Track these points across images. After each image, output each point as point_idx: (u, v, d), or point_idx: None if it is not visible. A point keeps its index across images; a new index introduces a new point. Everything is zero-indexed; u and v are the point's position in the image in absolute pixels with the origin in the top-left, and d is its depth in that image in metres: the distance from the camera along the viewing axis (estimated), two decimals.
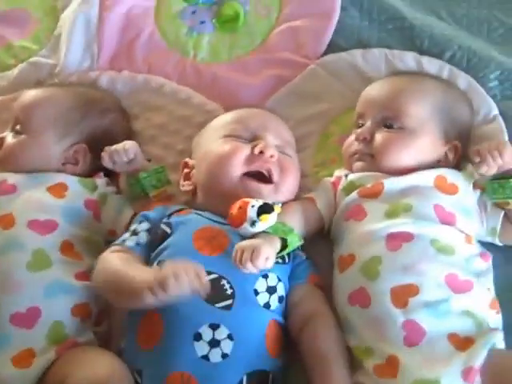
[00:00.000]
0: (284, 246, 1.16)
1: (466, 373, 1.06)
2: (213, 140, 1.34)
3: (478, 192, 1.26)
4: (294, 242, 1.17)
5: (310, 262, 1.29)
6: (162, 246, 1.22)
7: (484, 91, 1.43)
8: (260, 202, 1.15)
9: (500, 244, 1.25)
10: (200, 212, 1.28)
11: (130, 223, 1.33)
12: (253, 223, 1.14)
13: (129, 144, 1.36)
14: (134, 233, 1.26)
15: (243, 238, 1.17)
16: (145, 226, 1.27)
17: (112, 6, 1.74)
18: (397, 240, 1.17)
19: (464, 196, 1.24)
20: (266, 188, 1.29)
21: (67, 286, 1.24)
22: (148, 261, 1.22)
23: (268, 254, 1.11)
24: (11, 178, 1.36)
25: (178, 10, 1.74)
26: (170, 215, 1.28)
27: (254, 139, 1.32)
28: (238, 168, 1.28)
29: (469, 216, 1.23)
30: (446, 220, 1.20)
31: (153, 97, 1.61)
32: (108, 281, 1.16)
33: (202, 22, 1.71)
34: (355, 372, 1.14)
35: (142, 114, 1.59)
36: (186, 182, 1.38)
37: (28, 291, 1.21)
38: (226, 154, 1.29)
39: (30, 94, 1.49)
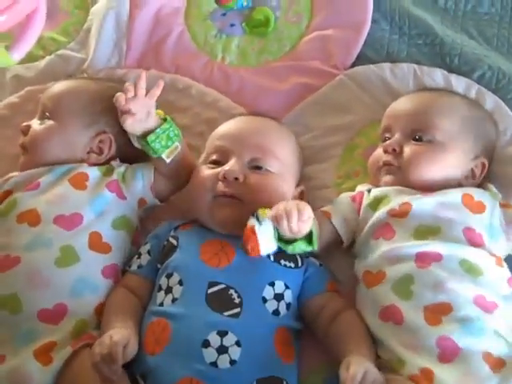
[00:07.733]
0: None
1: None
2: (201, 162, 1.37)
3: (501, 209, 1.26)
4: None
5: (325, 269, 1.29)
6: (169, 259, 1.25)
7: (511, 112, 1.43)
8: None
9: None
10: (204, 225, 1.30)
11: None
12: (260, 223, 1.13)
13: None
14: (138, 256, 1.32)
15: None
16: (146, 247, 1.32)
17: (143, 4, 1.74)
18: (426, 259, 1.17)
19: (490, 214, 1.24)
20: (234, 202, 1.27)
21: (93, 285, 1.26)
22: (155, 276, 1.27)
23: (311, 215, 1.13)
24: (39, 179, 1.36)
25: (208, 12, 1.74)
26: (176, 228, 1.32)
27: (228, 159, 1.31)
28: (207, 194, 1.29)
29: (496, 234, 1.23)
30: (475, 241, 1.20)
31: (179, 98, 1.60)
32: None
33: (232, 25, 1.71)
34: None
35: (167, 115, 1.58)
36: None
37: (55, 288, 1.23)
38: (197, 183, 1.33)
39: (59, 84, 1.51)
